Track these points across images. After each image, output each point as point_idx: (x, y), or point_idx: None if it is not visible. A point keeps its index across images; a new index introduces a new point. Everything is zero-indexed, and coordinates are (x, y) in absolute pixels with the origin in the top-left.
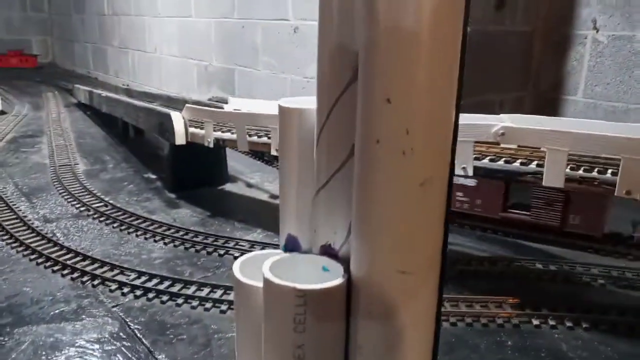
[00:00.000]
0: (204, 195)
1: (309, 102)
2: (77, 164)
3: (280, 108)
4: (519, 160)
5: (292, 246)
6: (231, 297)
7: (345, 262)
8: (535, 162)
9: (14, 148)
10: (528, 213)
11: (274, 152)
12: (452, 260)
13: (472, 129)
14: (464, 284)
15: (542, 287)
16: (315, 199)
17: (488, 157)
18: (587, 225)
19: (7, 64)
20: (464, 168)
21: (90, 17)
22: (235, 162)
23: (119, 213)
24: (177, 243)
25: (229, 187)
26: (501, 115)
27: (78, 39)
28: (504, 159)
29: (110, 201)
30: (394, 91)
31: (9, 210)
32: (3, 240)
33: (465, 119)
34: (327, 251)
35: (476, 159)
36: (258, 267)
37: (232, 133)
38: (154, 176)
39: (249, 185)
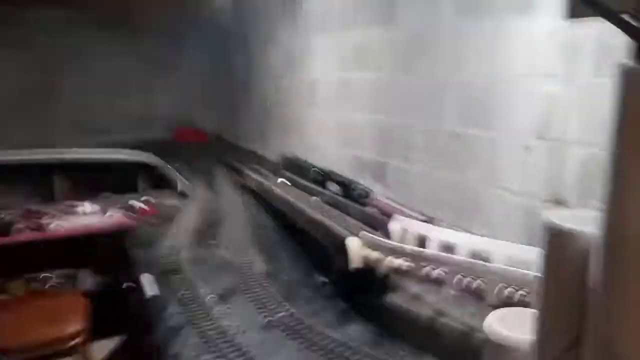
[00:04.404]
0: (372, 308)
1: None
2: (256, 262)
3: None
4: None
5: None
6: None
7: None
8: None
9: (200, 242)
10: None
11: (450, 291)
12: None
13: None
14: None
15: None
16: None
17: None
18: None
19: (182, 139)
20: None
21: (255, 101)
22: None
23: (302, 326)
24: None
25: (393, 297)
26: None
27: (243, 118)
28: None
29: (292, 309)
30: None
31: (210, 320)
32: (211, 353)
33: None
34: None
35: None
36: None
37: (405, 262)
38: (325, 280)
39: (412, 297)
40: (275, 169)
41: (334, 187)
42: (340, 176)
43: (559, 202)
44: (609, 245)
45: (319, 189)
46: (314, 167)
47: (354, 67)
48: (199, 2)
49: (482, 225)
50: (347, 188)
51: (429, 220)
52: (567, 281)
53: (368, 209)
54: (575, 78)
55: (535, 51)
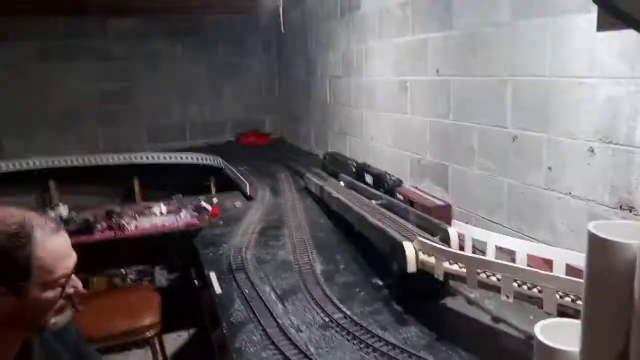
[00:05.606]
0: (428, 312)
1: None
2: (315, 262)
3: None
4: None
5: None
6: None
7: None
8: None
9: (264, 242)
10: None
11: (503, 297)
12: None
13: None
14: None
15: None
16: None
17: None
18: None
19: (246, 142)
20: None
21: (314, 104)
22: None
23: (357, 328)
24: None
25: (449, 302)
26: None
27: (302, 120)
28: None
29: (348, 311)
30: None
31: (271, 318)
32: (270, 349)
33: None
34: None
35: None
36: None
37: (461, 268)
38: (380, 282)
39: (469, 302)
40: (330, 171)
41: (368, 178)
42: (374, 168)
43: (627, 209)
44: None
45: (378, 192)
46: (350, 160)
47: (411, 70)
48: (260, 8)
49: (545, 232)
50: (380, 179)
51: (447, 206)
52: (612, 293)
53: (397, 197)
54: None
55: (596, 51)
